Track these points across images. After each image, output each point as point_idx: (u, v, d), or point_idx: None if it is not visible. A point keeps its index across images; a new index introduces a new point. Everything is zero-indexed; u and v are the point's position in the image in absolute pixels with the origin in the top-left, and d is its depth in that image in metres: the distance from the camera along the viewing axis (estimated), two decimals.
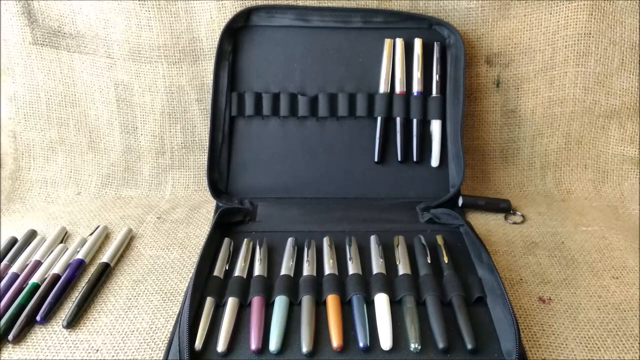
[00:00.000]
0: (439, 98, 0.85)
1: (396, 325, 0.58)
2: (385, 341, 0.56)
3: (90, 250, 0.74)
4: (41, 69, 0.90)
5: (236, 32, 0.86)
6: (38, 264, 0.71)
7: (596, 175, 0.93)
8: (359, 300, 0.61)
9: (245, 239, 0.73)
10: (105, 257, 0.72)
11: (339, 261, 0.69)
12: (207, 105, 0.91)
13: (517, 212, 0.85)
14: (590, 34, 0.87)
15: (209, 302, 0.61)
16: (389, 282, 0.64)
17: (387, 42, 0.85)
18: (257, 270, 0.67)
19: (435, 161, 0.86)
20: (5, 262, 0.72)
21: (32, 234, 0.79)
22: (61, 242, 0.78)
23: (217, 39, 0.84)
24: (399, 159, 0.86)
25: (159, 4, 0.86)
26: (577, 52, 0.88)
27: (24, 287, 0.66)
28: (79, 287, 0.67)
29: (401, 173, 0.86)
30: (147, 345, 0.58)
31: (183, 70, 0.90)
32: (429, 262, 0.68)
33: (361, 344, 0.56)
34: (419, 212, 0.82)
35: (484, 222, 0.83)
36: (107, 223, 0.83)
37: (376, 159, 0.86)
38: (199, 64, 0.89)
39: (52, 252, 0.74)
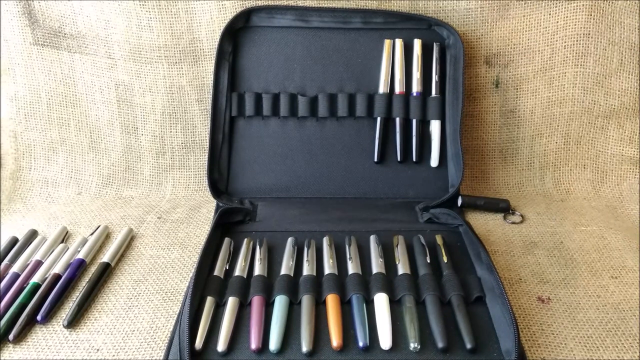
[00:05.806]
0: (438, 98, 0.85)
1: (396, 325, 0.58)
2: (385, 341, 0.56)
3: (91, 250, 0.74)
4: (42, 70, 0.90)
5: (236, 32, 0.86)
6: (39, 263, 0.71)
7: (595, 175, 0.93)
8: (359, 299, 0.61)
9: (246, 239, 0.74)
10: (105, 257, 0.72)
11: (338, 261, 0.69)
12: (207, 105, 0.91)
13: (516, 212, 0.86)
14: (589, 34, 0.87)
15: (209, 301, 0.61)
16: (388, 282, 0.64)
17: (387, 42, 0.85)
18: (257, 270, 0.67)
19: (434, 161, 0.86)
20: (6, 261, 0.72)
21: (33, 234, 0.79)
22: (62, 241, 0.78)
23: (218, 40, 0.84)
24: (399, 159, 0.86)
25: (160, 5, 0.86)
26: (576, 53, 0.88)
27: (25, 287, 0.66)
28: (80, 287, 0.67)
29: (401, 173, 0.87)
30: (148, 344, 0.59)
31: (183, 70, 0.90)
32: (429, 261, 0.68)
33: (361, 344, 0.56)
34: (419, 212, 0.82)
35: (483, 222, 0.84)
36: (107, 223, 0.83)
37: (376, 159, 0.86)
38: (199, 64, 0.90)
39: (52, 251, 0.74)
